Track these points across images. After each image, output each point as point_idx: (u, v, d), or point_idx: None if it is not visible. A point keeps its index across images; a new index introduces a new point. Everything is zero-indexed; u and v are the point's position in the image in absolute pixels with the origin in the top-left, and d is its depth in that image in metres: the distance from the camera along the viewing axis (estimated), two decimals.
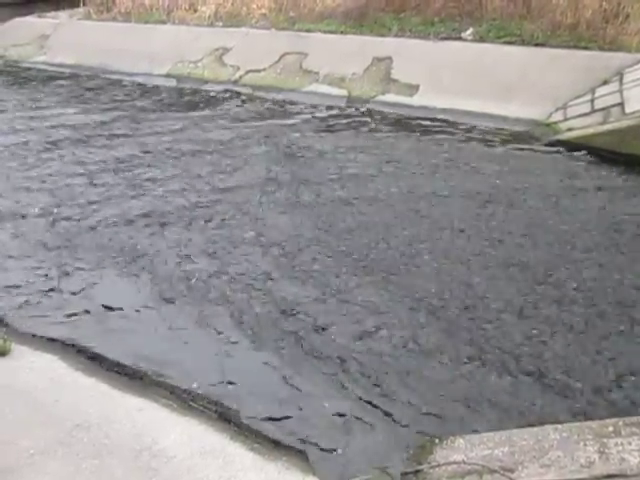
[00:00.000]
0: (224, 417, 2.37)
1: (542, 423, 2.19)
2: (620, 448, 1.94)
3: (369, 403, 2.49)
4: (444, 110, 6.16)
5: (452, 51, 6.97)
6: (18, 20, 11.61)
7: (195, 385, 2.59)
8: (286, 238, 3.87)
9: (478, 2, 7.79)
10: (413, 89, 6.59)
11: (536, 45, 6.65)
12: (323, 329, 2.97)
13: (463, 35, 7.29)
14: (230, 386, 2.60)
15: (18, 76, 9.20)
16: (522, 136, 5.55)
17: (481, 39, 7.10)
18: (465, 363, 2.70)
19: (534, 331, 2.89)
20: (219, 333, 3.00)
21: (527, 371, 2.64)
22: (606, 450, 1.94)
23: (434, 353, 2.78)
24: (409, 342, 2.86)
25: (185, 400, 2.50)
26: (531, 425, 2.21)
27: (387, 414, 2.42)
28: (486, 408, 2.45)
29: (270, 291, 3.32)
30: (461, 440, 2.14)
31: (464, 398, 2.50)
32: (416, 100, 6.46)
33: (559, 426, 2.12)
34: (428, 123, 6.02)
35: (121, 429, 2.30)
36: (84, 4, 11.20)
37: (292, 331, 2.97)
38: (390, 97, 6.61)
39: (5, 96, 8.05)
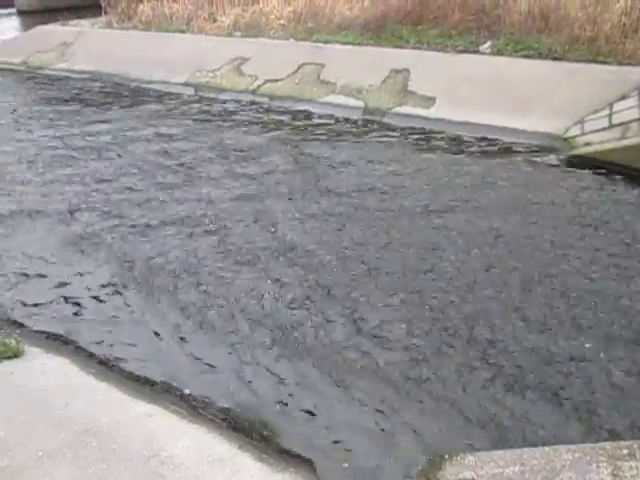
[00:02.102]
0: (233, 426, 2.37)
1: (554, 443, 2.16)
2: (634, 472, 1.90)
3: None
4: (460, 123, 6.14)
5: (469, 64, 6.96)
6: (41, 27, 11.83)
7: (206, 394, 2.59)
8: (304, 248, 3.86)
9: (496, 15, 7.80)
10: (430, 101, 6.58)
11: (554, 59, 6.63)
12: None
13: (481, 48, 7.29)
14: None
15: (39, 82, 9.35)
16: (539, 150, 5.51)
17: (499, 52, 7.09)
18: None
19: None
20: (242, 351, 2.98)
21: None
22: (620, 473, 1.90)
23: None
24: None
25: (195, 407, 2.50)
26: (543, 445, 2.17)
27: None
28: None
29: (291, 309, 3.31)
30: (471, 457, 2.11)
31: None
32: (433, 112, 6.45)
33: (572, 447, 2.08)
34: (444, 136, 6.00)
35: (130, 435, 2.29)
36: (106, 13, 11.39)
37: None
38: (407, 109, 6.60)
39: (28, 105, 8.20)
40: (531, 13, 7.45)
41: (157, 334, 3.10)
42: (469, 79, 6.67)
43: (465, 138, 5.92)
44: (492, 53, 7.14)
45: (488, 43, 7.32)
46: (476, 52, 7.23)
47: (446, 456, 2.13)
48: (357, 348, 2.89)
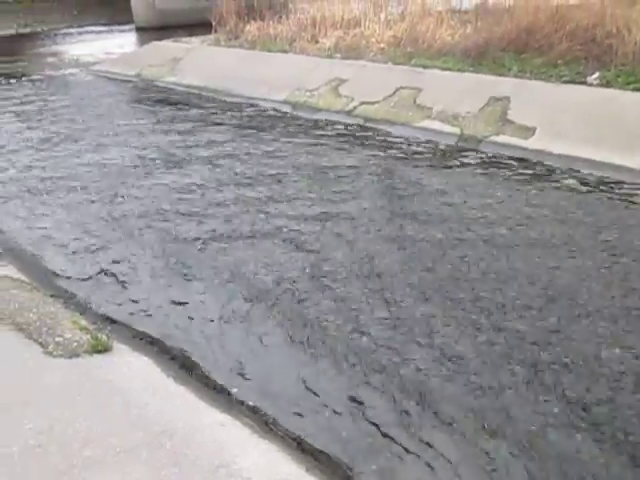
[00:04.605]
0: (302, 447, 2.36)
1: None
2: None
3: None
4: (560, 156, 5.87)
5: (575, 95, 6.66)
6: (155, 43, 12.67)
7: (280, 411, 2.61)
8: (387, 274, 3.82)
9: (608, 46, 7.43)
10: (529, 132, 6.35)
11: None
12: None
13: (588, 79, 6.96)
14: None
15: (149, 93, 9.98)
16: None
17: (608, 84, 6.73)
18: None
19: None
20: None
21: None
22: None
23: None
24: None
25: (267, 423, 2.52)
26: None
27: None
28: None
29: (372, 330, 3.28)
30: None
31: None
32: (531, 143, 6.21)
33: None
34: (542, 168, 5.75)
35: (203, 442, 2.34)
36: (216, 31, 12.00)
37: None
38: (504, 138, 6.41)
39: (136, 112, 8.78)
40: None
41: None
42: (573, 111, 6.38)
43: (564, 172, 5.64)
44: (600, 85, 6.79)
45: (596, 74, 6.97)
46: (583, 83, 6.91)
47: None
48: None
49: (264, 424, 2.51)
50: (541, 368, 2.86)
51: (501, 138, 6.44)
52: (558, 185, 5.35)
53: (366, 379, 2.82)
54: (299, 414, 2.60)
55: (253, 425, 2.51)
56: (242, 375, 2.89)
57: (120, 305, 3.59)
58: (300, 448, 2.37)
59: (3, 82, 11.11)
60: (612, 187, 5.26)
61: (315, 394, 2.75)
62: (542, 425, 2.51)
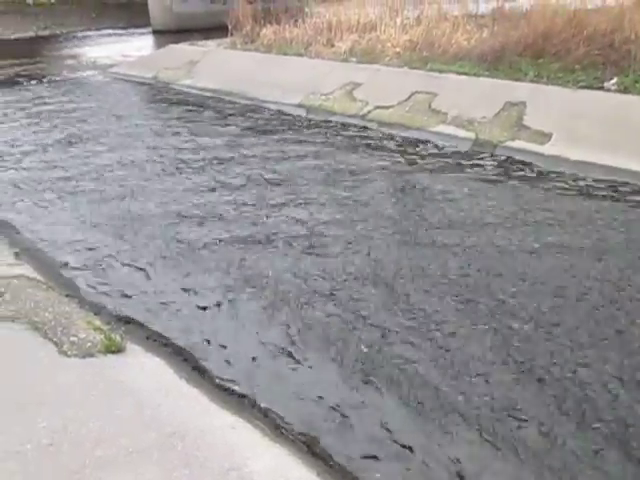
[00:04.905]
0: (314, 452, 2.36)
1: None
2: None
3: None
4: (577, 162, 5.82)
5: (592, 101, 6.60)
6: (171, 46, 12.78)
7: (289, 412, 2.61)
8: (398, 278, 3.81)
9: (626, 51, 7.36)
10: (545, 137, 6.30)
11: None
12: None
13: (606, 85, 6.89)
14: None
15: (165, 95, 10.07)
16: None
17: (625, 90, 6.67)
18: None
19: None
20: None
21: None
22: None
23: None
24: None
25: (278, 426, 2.52)
26: None
27: None
28: None
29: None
30: None
31: None
32: (547, 149, 6.17)
33: None
34: (558, 175, 5.70)
35: (214, 444, 2.35)
36: (232, 35, 12.07)
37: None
38: (519, 144, 6.37)
39: (153, 112, 8.85)
40: None
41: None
42: (590, 116, 6.32)
43: (581, 178, 5.59)
44: (618, 90, 6.72)
45: (614, 80, 6.91)
46: (600, 89, 6.84)
47: None
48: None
49: (275, 427, 2.52)
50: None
51: (517, 143, 6.40)
52: (575, 191, 5.30)
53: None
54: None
55: (264, 428, 2.51)
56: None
57: (144, 310, 3.61)
58: (311, 452, 2.37)
59: (24, 83, 11.26)
60: (629, 193, 5.21)
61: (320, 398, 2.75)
62: None
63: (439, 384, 2.80)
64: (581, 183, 5.47)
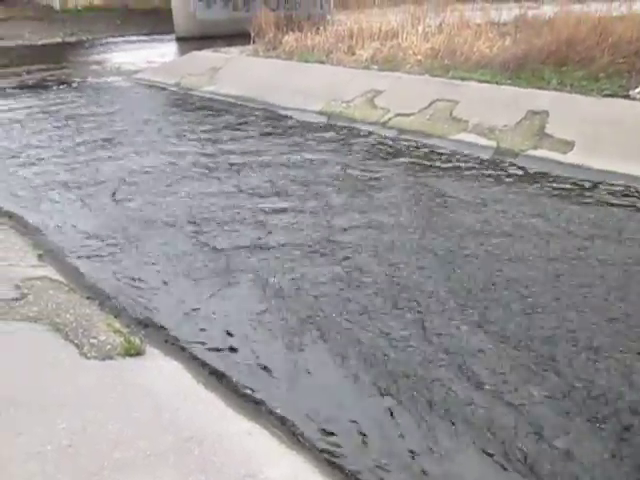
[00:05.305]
0: (330, 461, 2.35)
1: None
2: None
3: None
4: (600, 172, 5.74)
5: (616, 109, 6.51)
6: (195, 53, 12.93)
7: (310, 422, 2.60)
8: (415, 289, 3.79)
9: None
10: (568, 146, 6.23)
11: None
12: None
13: (631, 93, 6.80)
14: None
15: (186, 101, 10.18)
16: None
17: None
18: None
19: None
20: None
21: None
22: None
23: None
24: None
25: (295, 433, 2.52)
26: None
27: None
28: None
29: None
30: None
31: None
32: (570, 158, 6.10)
33: None
34: (581, 183, 5.63)
35: (230, 450, 2.35)
36: (254, 42, 12.18)
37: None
38: (541, 152, 6.31)
39: (173, 117, 8.96)
40: None
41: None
42: (615, 125, 6.24)
43: (604, 187, 5.51)
44: None
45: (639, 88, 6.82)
46: (625, 97, 6.76)
47: None
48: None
49: (292, 435, 2.51)
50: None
51: (539, 152, 6.34)
52: (598, 201, 5.22)
53: None
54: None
55: (281, 435, 2.51)
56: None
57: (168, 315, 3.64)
58: (327, 461, 2.35)
59: (51, 88, 11.47)
60: None
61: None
62: None
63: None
64: (603, 192, 5.39)
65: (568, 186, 5.60)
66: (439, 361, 3.02)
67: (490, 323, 3.36)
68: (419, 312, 3.48)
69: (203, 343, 3.27)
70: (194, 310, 3.62)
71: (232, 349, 3.21)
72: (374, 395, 2.79)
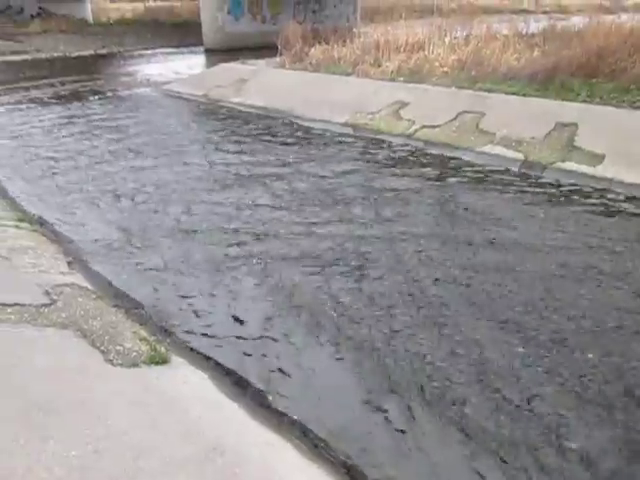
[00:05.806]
0: (351, 474, 2.33)
1: None
2: None
3: None
4: (631, 185, 5.63)
5: None
6: (222, 65, 13.12)
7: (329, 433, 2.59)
8: (439, 299, 3.76)
9: None
10: (597, 159, 6.13)
11: None
12: None
13: None
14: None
15: (214, 112, 10.31)
16: None
17: None
18: None
19: None
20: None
21: None
22: None
23: None
24: None
25: (316, 445, 2.50)
26: None
27: None
28: None
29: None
30: None
31: None
32: (600, 171, 5.99)
33: None
34: (611, 197, 5.53)
35: (252, 461, 2.35)
36: (281, 54, 12.30)
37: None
38: (570, 165, 6.21)
39: (200, 126, 9.08)
40: None
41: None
42: None
43: (636, 201, 5.39)
44: None
45: None
46: None
47: None
48: None
49: (314, 447, 2.50)
50: None
51: (567, 165, 6.25)
52: (630, 215, 5.12)
53: None
54: None
55: (302, 447, 2.50)
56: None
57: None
58: (349, 474, 2.34)
59: (84, 98, 11.73)
60: None
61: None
62: None
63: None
64: (634, 206, 5.28)
65: (597, 200, 5.50)
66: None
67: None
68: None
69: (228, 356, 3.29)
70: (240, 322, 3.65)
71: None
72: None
